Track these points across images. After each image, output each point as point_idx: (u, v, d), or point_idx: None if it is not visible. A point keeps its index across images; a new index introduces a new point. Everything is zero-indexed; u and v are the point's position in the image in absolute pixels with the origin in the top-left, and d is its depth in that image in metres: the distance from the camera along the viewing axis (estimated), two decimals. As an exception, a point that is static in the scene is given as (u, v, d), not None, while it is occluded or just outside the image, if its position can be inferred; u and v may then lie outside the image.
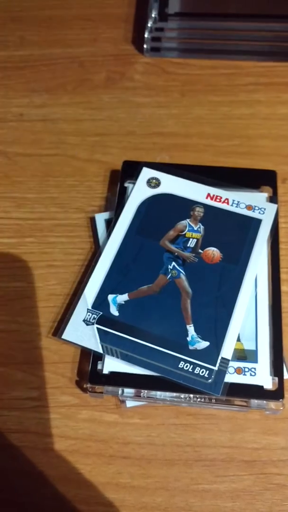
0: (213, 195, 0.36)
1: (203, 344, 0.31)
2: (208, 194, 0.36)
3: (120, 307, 0.32)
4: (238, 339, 0.32)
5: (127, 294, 0.33)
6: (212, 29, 0.46)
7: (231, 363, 0.31)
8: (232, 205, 0.36)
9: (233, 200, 0.36)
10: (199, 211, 0.35)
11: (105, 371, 0.31)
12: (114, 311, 0.32)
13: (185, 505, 0.30)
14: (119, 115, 0.43)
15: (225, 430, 0.31)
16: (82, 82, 0.45)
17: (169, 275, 0.33)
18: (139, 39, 0.46)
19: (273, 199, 0.37)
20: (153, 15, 0.43)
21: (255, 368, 0.31)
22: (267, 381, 0.30)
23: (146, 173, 0.37)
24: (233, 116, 0.43)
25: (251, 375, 0.31)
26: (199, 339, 0.31)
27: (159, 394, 0.31)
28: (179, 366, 0.30)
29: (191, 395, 0.30)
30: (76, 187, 0.40)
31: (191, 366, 0.30)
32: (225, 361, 0.30)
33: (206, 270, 0.33)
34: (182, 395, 0.31)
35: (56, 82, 0.45)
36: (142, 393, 0.31)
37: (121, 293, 0.33)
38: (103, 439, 0.31)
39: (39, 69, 0.46)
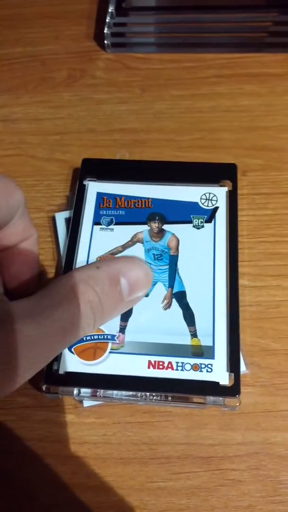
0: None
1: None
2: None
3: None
4: (195, 336, 0.31)
5: None
6: (174, 23, 0.45)
7: (188, 360, 0.31)
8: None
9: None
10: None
11: (61, 372, 0.31)
12: None
13: (140, 504, 0.30)
14: (79, 112, 0.43)
15: (181, 427, 0.31)
16: (43, 81, 0.45)
17: None
18: (101, 35, 0.45)
19: (233, 192, 0.36)
20: (110, 10, 0.43)
21: (211, 364, 0.31)
22: (223, 377, 0.30)
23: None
24: (194, 110, 0.43)
25: (207, 371, 0.30)
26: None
27: (115, 393, 0.31)
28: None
29: (147, 393, 0.30)
30: (36, 187, 0.40)
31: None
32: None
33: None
34: (139, 394, 0.30)
35: (17, 81, 0.45)
36: (98, 393, 0.31)
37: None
38: (59, 439, 0.31)
39: (0, 69, 0.46)
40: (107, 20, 0.44)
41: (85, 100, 0.43)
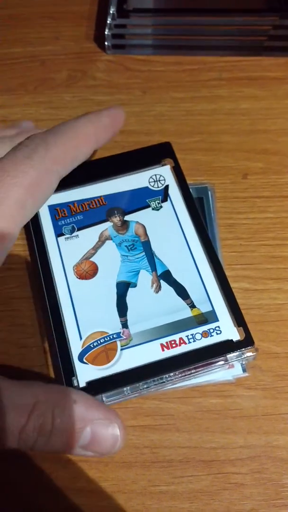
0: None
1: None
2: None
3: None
4: (194, 306, 0.32)
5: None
6: (175, 25, 0.45)
7: (196, 330, 0.31)
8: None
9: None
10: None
11: (82, 385, 0.30)
12: None
13: (142, 508, 0.29)
14: (80, 114, 0.43)
15: (183, 430, 0.31)
16: (44, 81, 0.45)
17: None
18: (101, 37, 0.45)
19: (176, 168, 0.37)
20: (111, 12, 0.43)
21: (218, 327, 0.31)
22: (234, 333, 0.31)
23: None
24: (195, 112, 0.43)
25: (217, 334, 0.31)
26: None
27: (141, 385, 0.30)
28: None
29: (171, 374, 0.30)
30: (36, 188, 0.39)
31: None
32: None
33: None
34: (164, 377, 0.30)
35: (17, 81, 0.45)
36: (125, 390, 0.30)
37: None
38: (60, 443, 0.31)
39: (0, 69, 0.45)
40: (108, 22, 0.44)
41: (85, 102, 0.43)
